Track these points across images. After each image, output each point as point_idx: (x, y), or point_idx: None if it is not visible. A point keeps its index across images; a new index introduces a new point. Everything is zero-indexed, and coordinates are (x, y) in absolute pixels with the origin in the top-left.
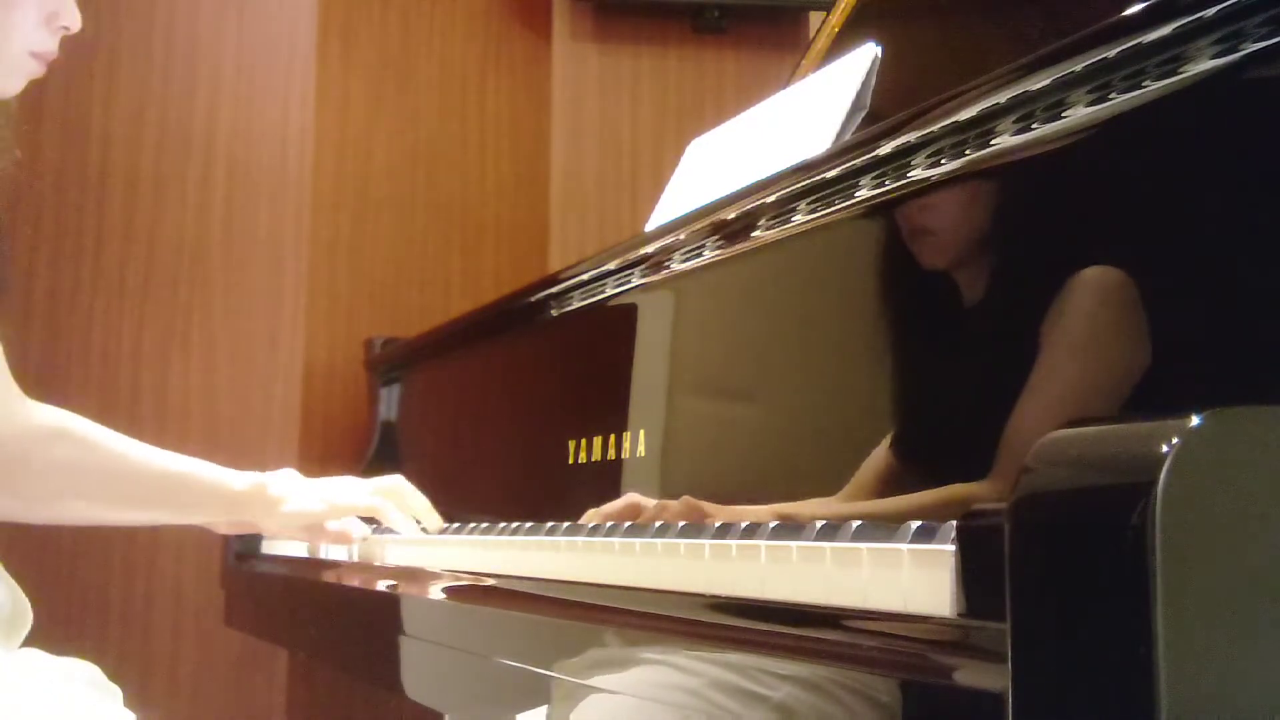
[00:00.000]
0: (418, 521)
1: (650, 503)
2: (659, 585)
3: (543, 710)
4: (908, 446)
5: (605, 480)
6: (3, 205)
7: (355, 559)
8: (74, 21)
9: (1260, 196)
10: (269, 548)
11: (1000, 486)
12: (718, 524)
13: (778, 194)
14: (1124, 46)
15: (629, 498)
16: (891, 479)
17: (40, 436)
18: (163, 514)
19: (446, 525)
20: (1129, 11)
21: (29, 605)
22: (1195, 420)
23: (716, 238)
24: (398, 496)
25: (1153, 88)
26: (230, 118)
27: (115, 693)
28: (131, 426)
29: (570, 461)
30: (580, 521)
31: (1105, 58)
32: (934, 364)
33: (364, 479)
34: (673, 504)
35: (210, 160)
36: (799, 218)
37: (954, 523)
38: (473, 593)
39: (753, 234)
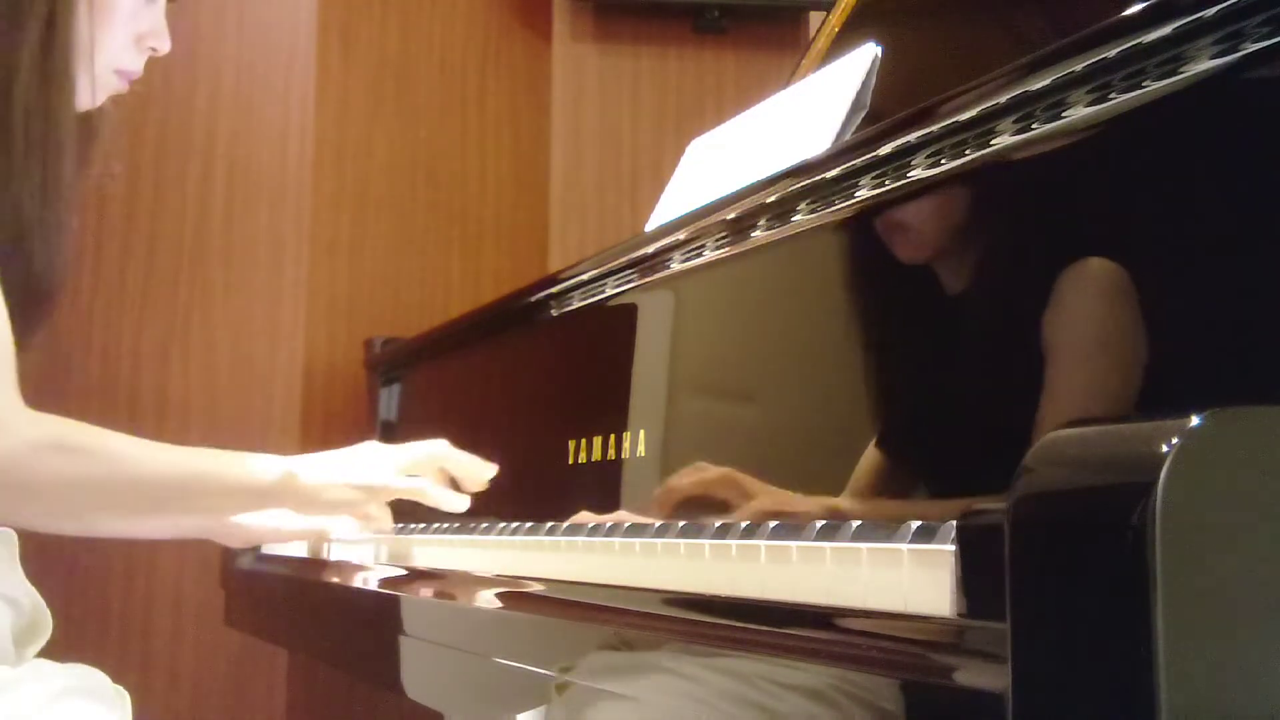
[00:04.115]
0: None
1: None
2: (659, 585)
3: (542, 710)
4: (910, 447)
5: (605, 480)
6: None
7: (355, 559)
8: (163, 45)
9: (1260, 196)
10: (269, 548)
11: None
12: (718, 524)
13: (778, 194)
14: (1124, 46)
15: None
16: (894, 480)
17: (37, 450)
18: (188, 517)
19: (445, 525)
20: (1129, 11)
21: (49, 615)
22: (1195, 420)
23: (716, 238)
24: (443, 463)
25: (1153, 88)
26: (230, 118)
27: (123, 698)
28: (131, 426)
29: (570, 461)
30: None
31: (1105, 58)
32: (933, 364)
33: (402, 446)
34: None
35: (210, 160)
36: (799, 218)
37: (954, 523)
38: (472, 593)
39: (753, 234)
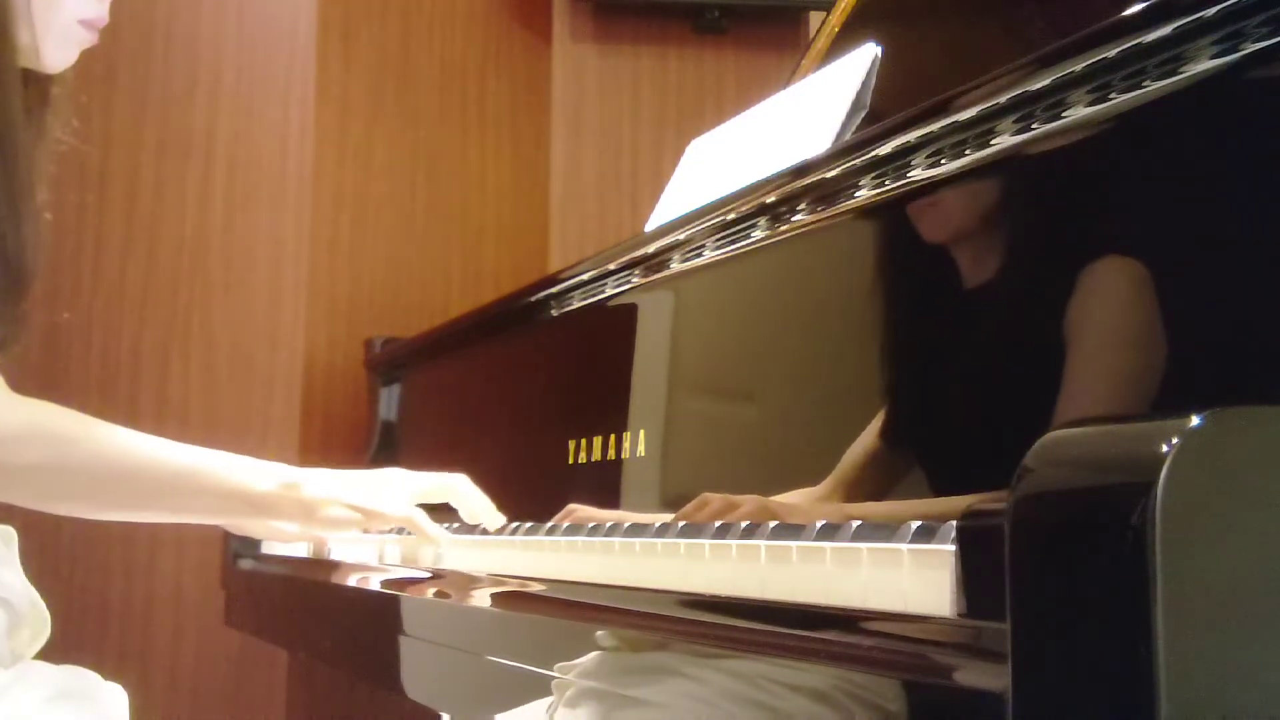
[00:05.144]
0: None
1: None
2: (659, 585)
3: (542, 710)
4: (908, 446)
5: (605, 480)
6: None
7: (356, 560)
8: None
9: (1260, 196)
10: (269, 548)
11: None
12: (717, 524)
13: (778, 194)
14: (1124, 46)
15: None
16: (897, 479)
17: (16, 436)
18: (172, 514)
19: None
20: (1129, 11)
21: (48, 616)
22: (1195, 420)
23: (716, 238)
24: (454, 495)
25: (1153, 88)
26: (230, 118)
27: (119, 694)
28: (131, 426)
29: (570, 461)
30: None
31: (1105, 58)
32: (932, 364)
33: (420, 474)
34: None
35: (210, 160)
36: (799, 218)
37: (954, 523)
38: (472, 593)
39: (753, 234)
